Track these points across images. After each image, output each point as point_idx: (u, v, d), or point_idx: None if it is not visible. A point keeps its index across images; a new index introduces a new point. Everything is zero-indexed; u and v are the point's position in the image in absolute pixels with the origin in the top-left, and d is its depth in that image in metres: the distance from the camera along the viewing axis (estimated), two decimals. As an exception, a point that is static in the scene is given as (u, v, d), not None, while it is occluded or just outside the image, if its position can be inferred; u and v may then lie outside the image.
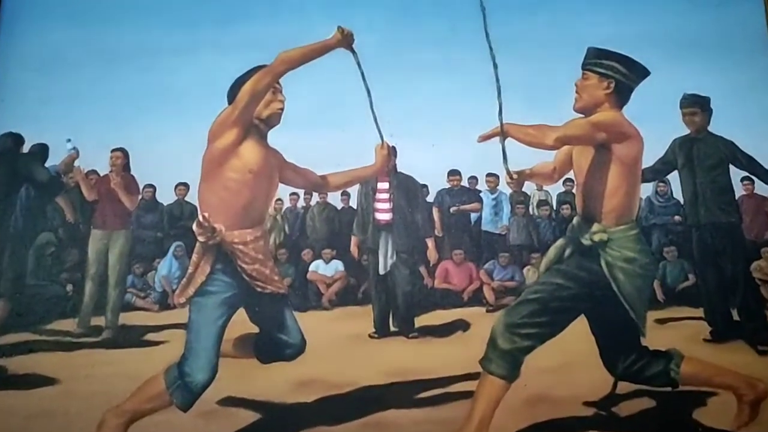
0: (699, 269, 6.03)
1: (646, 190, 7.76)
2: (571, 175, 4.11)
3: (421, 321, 6.49)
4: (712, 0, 6.06)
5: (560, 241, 4.01)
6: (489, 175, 8.27)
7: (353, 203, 7.54)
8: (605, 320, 3.85)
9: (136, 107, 7.02)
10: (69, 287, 6.99)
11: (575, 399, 4.58)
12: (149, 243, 7.96)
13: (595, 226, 3.80)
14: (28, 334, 6.16)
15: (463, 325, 6.55)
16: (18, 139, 6.78)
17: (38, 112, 6.69)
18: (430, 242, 6.79)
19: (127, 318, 6.64)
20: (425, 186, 7.55)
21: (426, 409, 4.70)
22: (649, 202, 7.96)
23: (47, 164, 7.03)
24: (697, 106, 5.82)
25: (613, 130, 3.74)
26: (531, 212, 8.46)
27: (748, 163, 5.82)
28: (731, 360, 4.41)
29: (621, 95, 3.87)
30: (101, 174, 7.05)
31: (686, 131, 5.92)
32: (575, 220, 3.98)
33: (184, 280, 3.95)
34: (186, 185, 8.03)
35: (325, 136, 6.44)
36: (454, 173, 8.07)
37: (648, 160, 5.06)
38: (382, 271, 6.46)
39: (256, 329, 4.15)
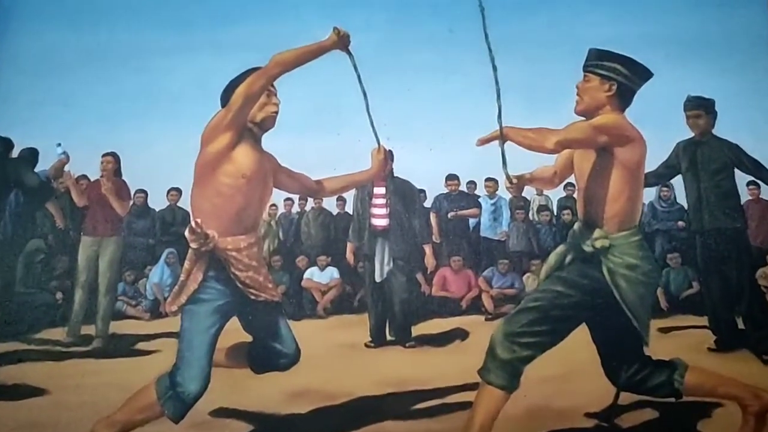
0: (703, 276, 6.01)
1: (649, 194, 7.78)
2: (572, 179, 4.09)
3: (418, 330, 6.49)
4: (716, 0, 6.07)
5: (561, 248, 3.99)
6: (488, 179, 8.28)
7: (349, 209, 7.53)
8: (607, 329, 3.83)
9: (128, 110, 7.02)
10: (58, 295, 6.99)
11: (576, 410, 4.58)
12: (140, 250, 7.96)
13: (597, 232, 3.78)
14: (17, 343, 6.16)
15: (461, 334, 6.54)
16: (7, 144, 6.77)
17: (28, 115, 6.69)
18: (427, 249, 6.78)
19: (118, 327, 6.64)
20: (422, 191, 7.55)
21: (423, 421, 4.68)
22: (652, 207, 7.97)
23: (37, 169, 7.03)
24: (701, 108, 5.81)
25: (615, 134, 3.72)
26: (531, 218, 8.46)
27: (754, 167, 5.81)
28: (736, 370, 4.39)
29: (623, 97, 3.85)
30: (92, 179, 7.06)
31: (690, 134, 5.92)
32: (576, 226, 3.96)
33: (176, 287, 3.92)
34: (178, 190, 8.04)
35: (321, 139, 6.44)
36: (452, 178, 8.08)
37: (651, 164, 5.04)
38: (378, 279, 6.43)
39: (249, 338, 4.13)
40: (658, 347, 3.90)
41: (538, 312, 3.75)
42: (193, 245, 3.82)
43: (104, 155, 6.72)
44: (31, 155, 7.02)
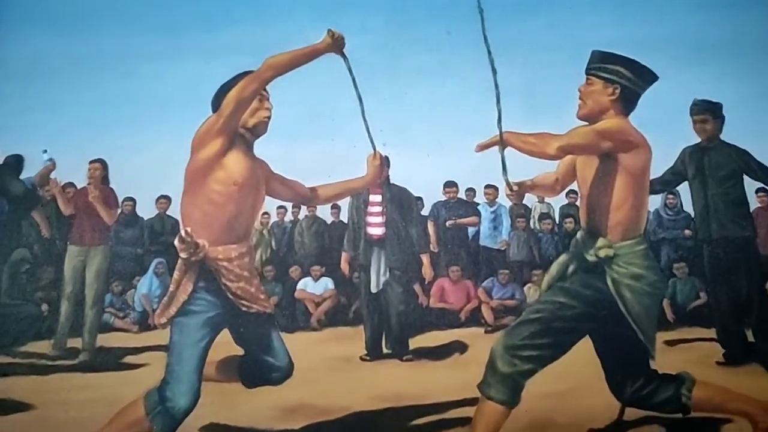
0: (711, 287, 6.00)
1: (655, 202, 7.79)
2: (574, 186, 4.08)
3: (415, 342, 6.48)
4: (723, 0, 6.07)
5: (563, 257, 3.97)
6: (487, 186, 8.30)
7: (344, 217, 7.54)
8: (611, 342, 3.81)
9: (116, 116, 7.02)
10: (44, 307, 6.99)
11: (580, 426, 4.56)
12: (129, 260, 7.96)
13: (600, 241, 3.77)
14: (1, 356, 6.15)
15: (460, 347, 6.54)
16: (-9, 151, 6.79)
17: (13, 121, 6.69)
18: (425, 258, 6.75)
19: (105, 339, 6.63)
20: (420, 198, 7.54)
21: (421, 437, 4.68)
22: (658, 215, 7.98)
23: (22, 176, 7.04)
24: (708, 112, 5.80)
25: (619, 139, 3.71)
26: (532, 226, 8.47)
27: (763, 174, 5.80)
28: (746, 384, 4.37)
29: (627, 101, 3.83)
30: (79, 186, 7.06)
31: (697, 140, 5.91)
32: (579, 235, 3.95)
33: (165, 298, 3.90)
34: (168, 198, 8.05)
35: (315, 145, 6.44)
36: (450, 185, 8.08)
37: (656, 170, 5.04)
38: (374, 290, 6.42)
39: (240, 351, 4.11)
40: (664, 361, 3.88)
41: (540, 324, 3.73)
42: (182, 255, 3.80)
43: (91, 162, 6.72)
44: (16, 162, 7.03)
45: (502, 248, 8.27)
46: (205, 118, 3.92)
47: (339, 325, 7.56)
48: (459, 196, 8.16)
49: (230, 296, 3.87)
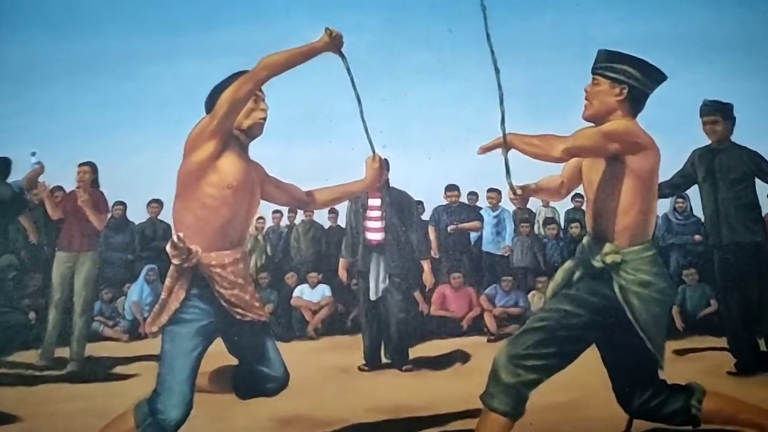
0: (722, 294, 5.99)
1: (663, 206, 7.79)
2: (580, 190, 4.07)
3: (415, 352, 6.48)
4: (733, -3, 6.08)
5: (569, 263, 3.96)
6: (490, 190, 8.30)
7: (342, 222, 7.53)
8: (619, 351, 3.80)
9: (106, 118, 7.03)
10: (31, 315, 6.98)
11: (586, 438, 4.56)
12: (119, 266, 7.96)
13: (607, 247, 3.76)
14: (-14, 366, 6.15)
15: (462, 357, 6.53)
16: (-22, 154, 6.79)
17: (0, 123, 6.69)
18: (425, 265, 6.74)
19: (94, 349, 6.63)
20: (420, 202, 7.54)
21: (421, 450, 4.68)
22: (667, 219, 7.97)
23: (9, 180, 7.02)
24: (718, 113, 5.79)
25: (627, 141, 3.70)
26: (536, 231, 8.48)
27: (776, 177, 5.81)
28: (758, 395, 4.36)
29: (635, 102, 3.83)
30: (67, 190, 7.06)
31: (707, 141, 5.90)
32: (585, 240, 3.94)
33: (157, 306, 3.89)
34: (159, 202, 8.06)
35: (312, 147, 6.45)
36: (451, 188, 8.09)
37: (665, 173, 5.04)
38: (373, 297, 6.41)
39: (234, 361, 4.10)
40: (673, 371, 3.87)
41: (545, 332, 3.72)
42: (174, 261, 3.79)
43: (81, 165, 6.72)
44: (3, 165, 7.02)
45: (506, 254, 8.28)
46: (198, 119, 3.91)
47: (336, 334, 7.56)
48: (461, 200, 8.17)
49: (224, 304, 3.86)
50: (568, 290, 3.85)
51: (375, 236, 6.41)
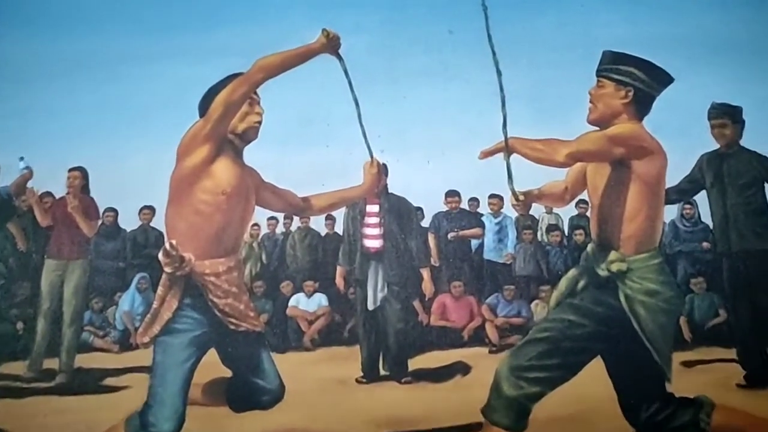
0: (731, 303, 5.99)
1: (671, 213, 7.79)
2: (584, 196, 4.07)
3: (415, 363, 6.47)
4: (742, -3, 6.08)
5: (573, 272, 3.96)
6: (492, 196, 8.29)
7: (339, 229, 7.53)
8: (624, 362, 3.80)
9: (97, 121, 7.03)
10: (19, 325, 6.98)
11: (591, 452, 4.56)
12: (109, 274, 7.95)
13: (613, 255, 3.75)
14: (-27, 378, 6.14)
15: (462, 368, 6.52)
16: (-37, 158, 6.78)
17: (-12, 127, 6.70)
18: (425, 273, 6.73)
19: (84, 360, 6.62)
20: (420, 209, 7.54)
21: (421, 464, 4.67)
22: (674, 226, 7.97)
23: (-3, 186, 7.02)
24: (727, 117, 5.79)
25: (633, 145, 3.70)
26: (539, 238, 8.47)
27: (787, 182, 5.80)
28: (769, 408, 4.36)
29: (641, 105, 3.83)
30: (57, 196, 7.05)
31: (715, 145, 5.89)
32: (590, 248, 3.94)
33: (149, 316, 3.88)
34: (151, 209, 8.05)
35: (308, 152, 6.45)
36: (452, 194, 8.09)
37: (672, 178, 5.03)
38: (371, 306, 6.40)
39: (228, 373, 4.10)
40: (681, 383, 3.86)
41: (548, 343, 3.72)
42: (167, 269, 3.78)
43: (71, 170, 6.72)
44: (-10, 170, 7.03)
45: (508, 262, 8.27)
46: (192, 123, 3.91)
47: (333, 345, 7.56)
48: (461, 206, 8.17)
49: (218, 314, 3.85)
50: (573, 300, 3.85)
51: (373, 243, 6.40)
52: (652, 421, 3.82)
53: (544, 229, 8.65)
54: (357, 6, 6.12)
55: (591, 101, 3.89)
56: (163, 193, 3.91)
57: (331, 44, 4.06)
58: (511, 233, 8.29)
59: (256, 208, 4.15)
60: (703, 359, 6.34)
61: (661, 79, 3.84)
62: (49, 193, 7.24)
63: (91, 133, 7.08)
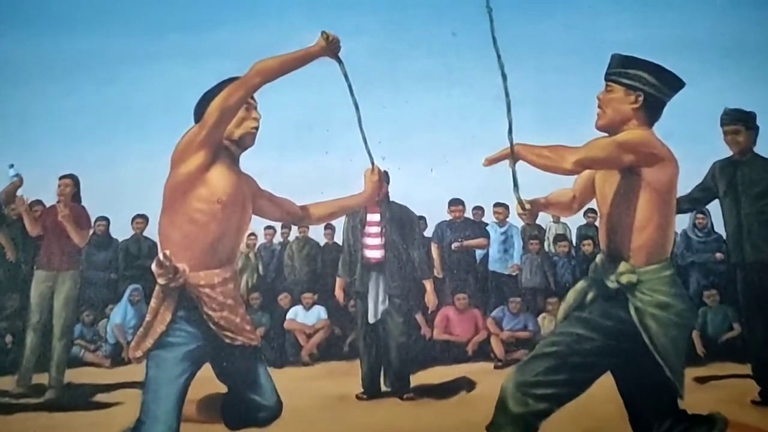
0: (745, 317, 5.97)
1: (682, 222, 7.78)
2: (593, 204, 4.07)
3: (417, 379, 6.45)
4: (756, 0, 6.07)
5: (581, 284, 3.95)
6: (497, 205, 8.30)
7: (338, 238, 7.53)
8: (635, 378, 3.78)
9: (89, 127, 7.03)
10: (8, 338, 6.98)
11: (600, 471, 4.54)
12: (101, 286, 7.95)
13: (623, 266, 3.74)
14: (-40, 393, 6.14)
15: (466, 384, 6.51)
16: (-50, 166, 6.79)
17: (-26, 133, 6.70)
18: (428, 285, 6.71)
19: (75, 375, 6.62)
20: (422, 218, 7.55)
21: (424, 484, 4.65)
22: (686, 236, 7.96)
23: (-16, 194, 7.02)
24: (740, 123, 5.78)
25: (643, 152, 3.70)
26: (546, 249, 8.46)
27: (803, 191, 5.79)
28: (785, 425, 4.36)
29: (651, 110, 3.82)
30: (47, 205, 7.05)
31: (728, 152, 5.89)
32: (598, 259, 3.93)
33: (141, 329, 3.87)
34: (145, 218, 8.05)
35: (307, 159, 6.45)
36: (456, 203, 8.08)
37: (684, 187, 5.03)
38: (371, 319, 6.38)
39: (223, 388, 4.08)
40: (694, 400, 3.85)
41: (556, 358, 3.70)
42: (160, 281, 3.77)
43: (61, 178, 6.72)
44: (-23, 178, 7.03)
45: (514, 273, 8.27)
46: (186, 128, 3.91)
47: (333, 360, 7.55)
48: (465, 215, 8.16)
49: (213, 327, 3.84)
50: (581, 313, 3.84)
51: (374, 254, 6.39)
52: (664, 439, 3.81)
53: (551, 239, 8.64)
54: (357, 7, 6.12)
55: (599, 106, 3.88)
56: (157, 201, 3.91)
57: (331, 47, 4.06)
58: (517, 243, 8.28)
59: (253, 217, 4.14)
60: (717, 375, 6.33)
61: (672, 83, 3.83)
62: (39, 202, 7.24)
63: (82, 140, 7.08)
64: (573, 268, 8.14)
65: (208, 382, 3.99)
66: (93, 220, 7.15)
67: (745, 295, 5.86)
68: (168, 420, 3.74)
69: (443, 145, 6.35)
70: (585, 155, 3.68)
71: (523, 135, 3.78)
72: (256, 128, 4.00)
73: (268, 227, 8.66)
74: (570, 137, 3.77)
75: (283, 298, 8.00)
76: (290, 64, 3.95)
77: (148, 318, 3.83)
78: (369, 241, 6.41)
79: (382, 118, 4.94)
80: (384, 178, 5.12)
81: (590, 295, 3.84)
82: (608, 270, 3.78)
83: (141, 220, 8.17)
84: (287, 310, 7.88)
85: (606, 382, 3.78)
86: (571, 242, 8.47)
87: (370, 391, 6.31)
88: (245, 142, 3.98)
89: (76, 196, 6.74)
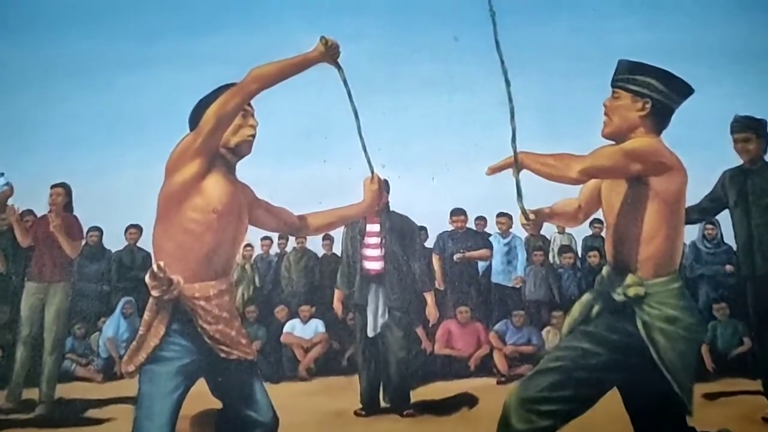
0: (756, 331, 5.95)
1: (691, 233, 7.77)
2: (599, 215, 4.06)
3: (417, 395, 6.44)
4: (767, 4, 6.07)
5: (587, 296, 3.94)
6: (500, 215, 8.29)
7: (337, 249, 7.52)
8: (642, 394, 3.77)
9: (81, 134, 7.03)
10: (-2, 352, 6.96)
11: (607, 491, 4.51)
12: (93, 298, 7.94)
13: (630, 278, 3.73)
14: (-52, 408, 6.14)
15: (469, 400, 6.49)
16: (-61, 174, 6.80)
17: (-36, 141, 6.71)
18: (429, 297, 6.70)
19: (66, 390, 6.61)
20: (423, 228, 7.54)
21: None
22: (695, 248, 7.95)
23: (-27, 203, 7.03)
24: (751, 130, 5.78)
25: (651, 160, 3.69)
26: (551, 260, 8.45)
27: (816, 201, 5.79)
28: (797, 443, 4.34)
29: (659, 117, 3.82)
30: (39, 214, 7.05)
31: (739, 161, 5.88)
32: (605, 271, 3.92)
33: (134, 343, 3.85)
34: (138, 228, 8.06)
35: (305, 167, 6.44)
36: (458, 213, 8.07)
37: (693, 196, 5.02)
38: (371, 333, 6.37)
39: (218, 404, 4.07)
40: (703, 416, 3.83)
41: (561, 374, 3.69)
42: (154, 293, 3.76)
43: (53, 187, 6.72)
44: (-32, 188, 7.04)
45: (517, 286, 8.26)
46: (181, 136, 3.90)
47: (331, 375, 7.54)
48: (468, 225, 8.16)
49: (207, 341, 3.83)
50: (586, 326, 3.83)
51: (373, 265, 6.39)
52: (672, 457, 3.80)
53: (555, 250, 8.64)
54: (357, 12, 6.12)
55: (606, 113, 3.87)
56: (151, 211, 3.90)
57: (330, 52, 4.05)
58: (521, 255, 8.28)
59: (249, 227, 4.12)
60: (727, 391, 6.31)
61: (680, 90, 3.83)
62: (30, 211, 7.25)
63: (74, 147, 7.08)
64: (578, 280, 8.13)
65: (202, 397, 3.98)
66: (85, 230, 7.16)
67: (755, 308, 5.84)
68: (161, 436, 3.74)
69: (445, 153, 6.35)
70: (591, 164, 3.68)
71: (528, 143, 3.78)
72: (253, 136, 3.99)
73: (265, 238, 8.67)
74: (575, 145, 3.76)
75: (280, 311, 8.00)
76: (288, 69, 3.95)
77: (141, 331, 3.81)
78: (368, 252, 6.40)
79: (382, 125, 4.94)
80: (384, 187, 5.10)
81: (596, 309, 3.83)
82: (615, 282, 3.76)
83: (134, 230, 8.17)
84: (284, 324, 7.87)
85: (612, 398, 3.77)
86: (576, 253, 8.47)
87: (369, 408, 6.30)
88: (242, 150, 3.97)
89: (68, 206, 6.74)
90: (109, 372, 7.47)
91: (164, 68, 6.88)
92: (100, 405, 6.34)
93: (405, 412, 6.22)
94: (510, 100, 3.86)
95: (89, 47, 6.89)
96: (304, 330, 7.79)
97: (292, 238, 8.46)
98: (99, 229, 8.10)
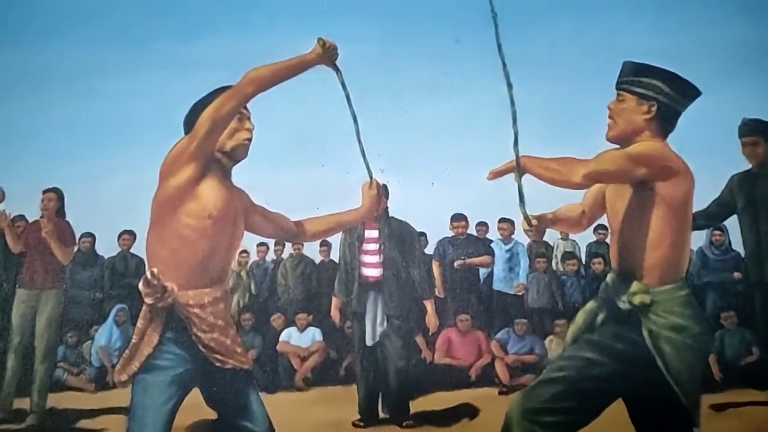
0: (765, 340, 5.95)
1: (698, 239, 7.76)
2: (603, 220, 4.05)
3: (417, 405, 6.43)
4: (774, 7, 6.07)
5: (591, 304, 3.93)
6: (502, 220, 8.28)
7: (335, 256, 7.52)
8: (648, 405, 3.76)
9: (73, 139, 7.03)
10: (-12, 361, 6.94)
11: (612, 505, 4.50)
12: (85, 306, 7.93)
13: (635, 286, 3.72)
14: (-62, 419, 6.13)
15: (469, 411, 6.49)
16: (-72, 179, 6.79)
17: (-46, 146, 6.70)
18: (429, 305, 6.69)
19: (57, 400, 6.60)
20: (423, 234, 7.53)
21: None
22: (702, 254, 7.94)
23: (-35, 209, 7.02)
24: (759, 134, 5.77)
25: (656, 165, 3.68)
26: (554, 267, 8.44)
27: (826, 206, 5.78)
28: (808, 455, 4.33)
29: (665, 121, 3.81)
30: (30, 220, 7.05)
31: (747, 165, 5.88)
32: (609, 278, 3.91)
33: (127, 352, 3.84)
34: (132, 234, 8.05)
35: (302, 172, 6.44)
36: (458, 218, 8.07)
37: (700, 202, 5.01)
38: (369, 342, 6.35)
39: (213, 414, 4.06)
40: (711, 428, 3.83)
41: (564, 384, 3.68)
42: (147, 300, 3.75)
43: (45, 192, 6.73)
44: (-42, 192, 7.03)
45: (520, 293, 8.25)
46: (176, 140, 3.90)
47: (328, 384, 7.53)
48: (469, 231, 8.15)
49: (202, 349, 3.82)
50: (591, 335, 3.82)
51: (372, 272, 6.38)
52: (678, 469, 3.78)
53: (559, 257, 8.63)
54: (355, 13, 6.12)
55: (610, 116, 3.87)
56: (145, 216, 3.89)
57: (328, 54, 4.04)
58: (523, 261, 8.27)
59: (245, 233, 4.12)
60: (735, 402, 6.29)
61: (687, 92, 3.82)
62: (21, 217, 7.24)
63: (67, 152, 7.08)
64: (582, 287, 8.12)
65: (196, 407, 3.97)
66: (78, 236, 7.15)
67: (764, 317, 5.84)
68: (154, 448, 3.73)
69: (445, 157, 6.35)
70: (595, 168, 3.67)
71: (530, 147, 3.77)
72: (249, 140, 3.98)
73: (261, 244, 8.67)
74: (579, 149, 3.75)
75: (276, 319, 7.99)
76: (285, 72, 3.94)
77: (134, 340, 3.80)
78: (367, 258, 6.39)
79: (382, 129, 4.93)
80: (383, 192, 5.12)
81: (601, 317, 3.82)
82: (620, 290, 3.75)
83: (128, 236, 8.17)
84: (280, 332, 7.86)
85: (617, 410, 3.76)
86: (580, 260, 8.46)
87: (368, 418, 6.29)
88: (237, 154, 3.97)
89: (60, 211, 6.75)
90: (102, 381, 7.46)
91: (158, 73, 6.89)
92: (92, 415, 6.34)
93: (404, 423, 6.21)
94: (512, 103, 3.85)
95: (82, 52, 6.89)
96: (300, 338, 7.78)
97: (288, 245, 8.46)
98: (92, 235, 8.09)
